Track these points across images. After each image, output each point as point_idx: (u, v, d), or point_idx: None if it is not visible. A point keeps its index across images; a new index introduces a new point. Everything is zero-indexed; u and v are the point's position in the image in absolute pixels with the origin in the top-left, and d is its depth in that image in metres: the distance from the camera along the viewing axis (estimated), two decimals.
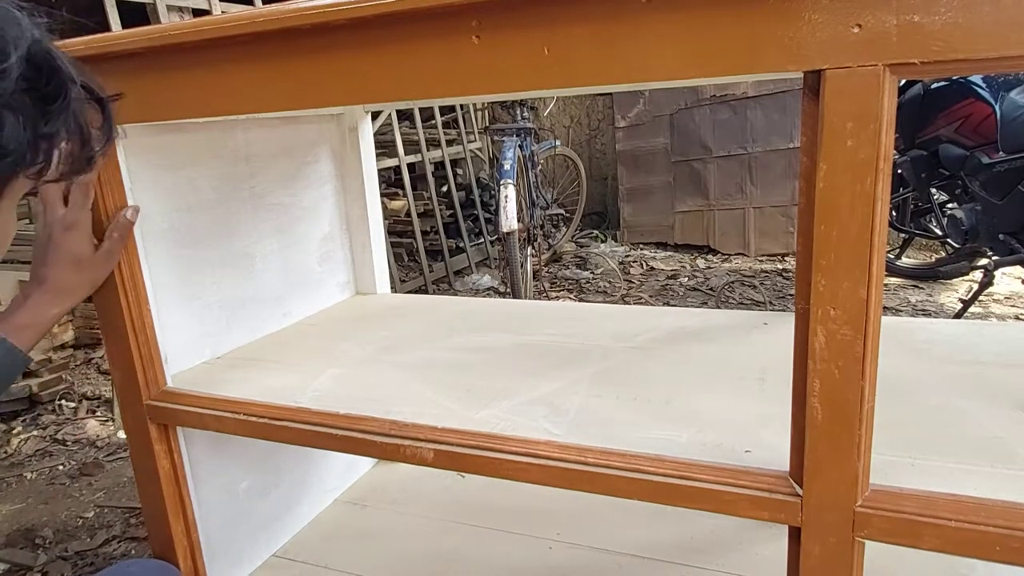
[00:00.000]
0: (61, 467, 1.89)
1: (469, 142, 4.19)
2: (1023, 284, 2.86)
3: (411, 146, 3.67)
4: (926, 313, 2.75)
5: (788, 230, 3.71)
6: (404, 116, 3.79)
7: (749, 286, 3.25)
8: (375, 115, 3.22)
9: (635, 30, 0.53)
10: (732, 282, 3.32)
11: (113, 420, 2.15)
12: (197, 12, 2.40)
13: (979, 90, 2.37)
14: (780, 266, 3.58)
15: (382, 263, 1.34)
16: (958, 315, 2.53)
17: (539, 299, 3.19)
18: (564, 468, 0.66)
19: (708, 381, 0.82)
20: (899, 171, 2.78)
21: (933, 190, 2.81)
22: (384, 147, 3.55)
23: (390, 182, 3.79)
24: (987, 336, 0.90)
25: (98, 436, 2.06)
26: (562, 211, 3.98)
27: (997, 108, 2.32)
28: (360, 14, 0.60)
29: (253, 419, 0.82)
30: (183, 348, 0.98)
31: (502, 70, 0.59)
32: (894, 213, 3.02)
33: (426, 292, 3.47)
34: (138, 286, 0.86)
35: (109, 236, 0.82)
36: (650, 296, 3.22)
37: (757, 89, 3.65)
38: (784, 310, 2.62)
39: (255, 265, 1.10)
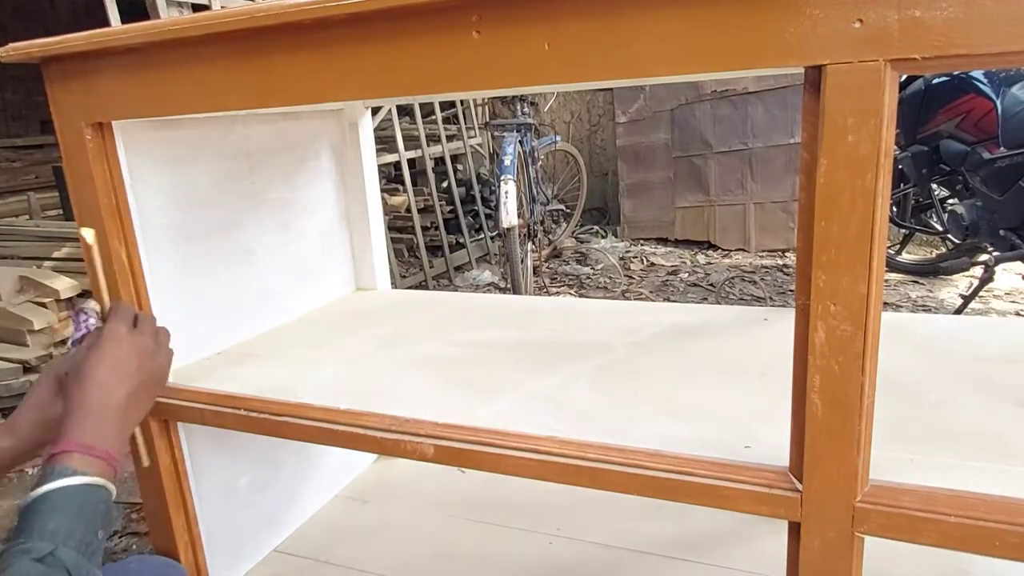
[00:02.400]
0: None
1: (469, 138, 4.18)
2: None
3: (411, 142, 3.67)
4: (926, 309, 2.75)
5: (788, 226, 3.70)
6: (404, 112, 3.79)
7: (749, 282, 3.25)
8: (375, 111, 3.22)
9: (636, 25, 0.53)
10: (732, 278, 3.32)
11: None
12: (196, 7, 2.40)
13: (980, 85, 2.36)
14: (780, 262, 3.58)
15: (382, 259, 1.34)
16: (958, 311, 2.53)
17: (539, 295, 3.19)
18: (564, 463, 0.66)
19: (708, 377, 0.82)
20: (900, 167, 2.77)
21: (934, 186, 2.81)
22: (384, 143, 3.55)
23: (390, 178, 3.79)
24: (987, 332, 0.90)
25: None
26: (562, 207, 3.98)
27: (998, 103, 2.32)
28: (360, 9, 0.60)
29: (254, 415, 0.82)
30: (183, 344, 0.97)
31: (503, 65, 0.58)
32: (895, 209, 3.01)
33: (426, 288, 3.47)
34: (138, 282, 0.86)
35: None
36: (650, 292, 3.22)
37: (758, 84, 3.64)
38: (784, 306, 2.62)
39: (255, 261, 1.10)
